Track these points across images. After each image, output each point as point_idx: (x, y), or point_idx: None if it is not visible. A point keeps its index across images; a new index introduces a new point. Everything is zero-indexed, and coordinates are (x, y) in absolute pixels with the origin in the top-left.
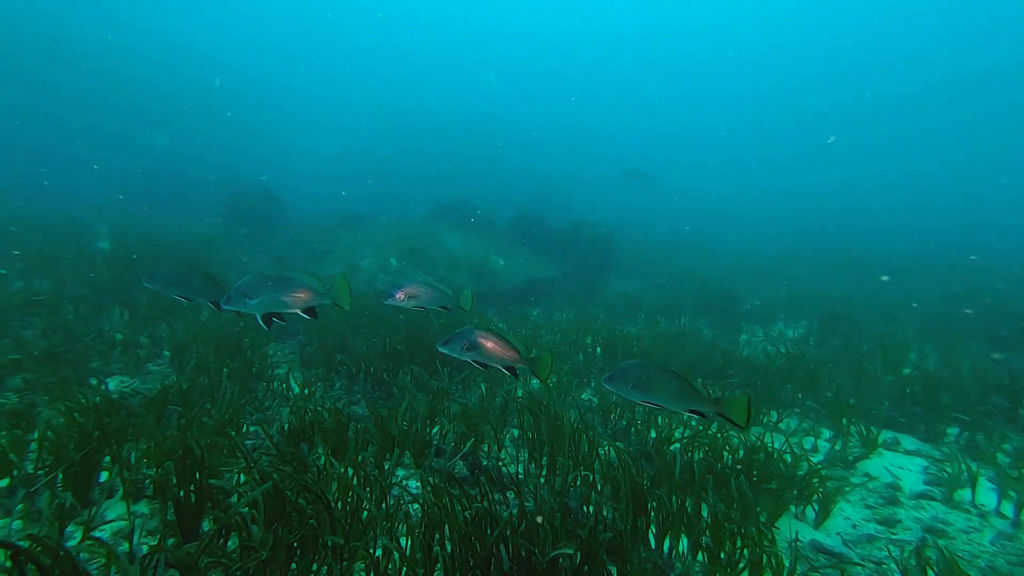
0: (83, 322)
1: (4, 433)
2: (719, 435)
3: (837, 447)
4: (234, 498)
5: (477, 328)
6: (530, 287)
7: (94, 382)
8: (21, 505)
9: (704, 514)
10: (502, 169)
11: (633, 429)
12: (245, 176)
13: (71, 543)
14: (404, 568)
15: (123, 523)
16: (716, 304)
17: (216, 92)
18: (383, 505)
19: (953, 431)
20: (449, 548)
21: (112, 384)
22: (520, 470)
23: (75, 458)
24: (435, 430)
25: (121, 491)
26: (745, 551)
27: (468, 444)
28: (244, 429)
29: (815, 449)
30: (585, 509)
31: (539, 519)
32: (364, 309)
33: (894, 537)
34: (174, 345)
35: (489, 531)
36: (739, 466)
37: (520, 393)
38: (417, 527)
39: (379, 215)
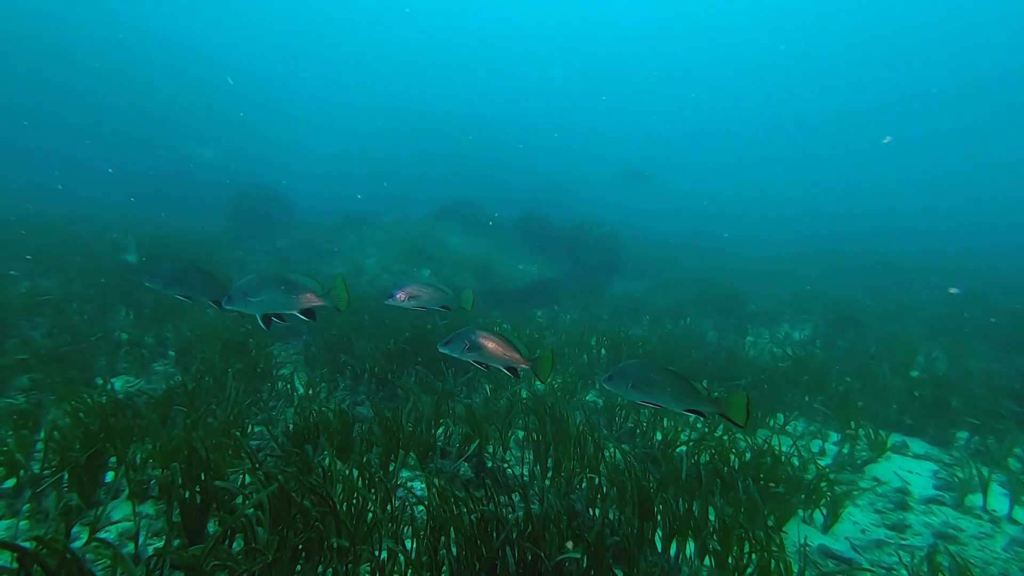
0: (89, 322)
1: (11, 433)
2: (725, 437)
3: (845, 450)
4: (239, 499)
5: (478, 328)
6: (534, 288)
7: (99, 382)
8: (28, 505)
9: (711, 518)
10: (505, 169)
11: (638, 431)
12: (250, 176)
13: (77, 543)
14: (409, 571)
15: (129, 524)
16: (721, 305)
17: (218, 93)
18: (388, 507)
19: (963, 435)
20: (455, 551)
21: (118, 384)
22: (525, 472)
23: (81, 459)
24: (439, 431)
25: (127, 492)
26: (753, 556)
27: (473, 446)
28: (249, 430)
29: (822, 452)
30: (591, 512)
31: (549, 526)
32: (368, 309)
33: (904, 543)
34: (179, 345)
35: (495, 534)
36: (746, 469)
37: (525, 395)
38: (422, 529)
39: (383, 215)
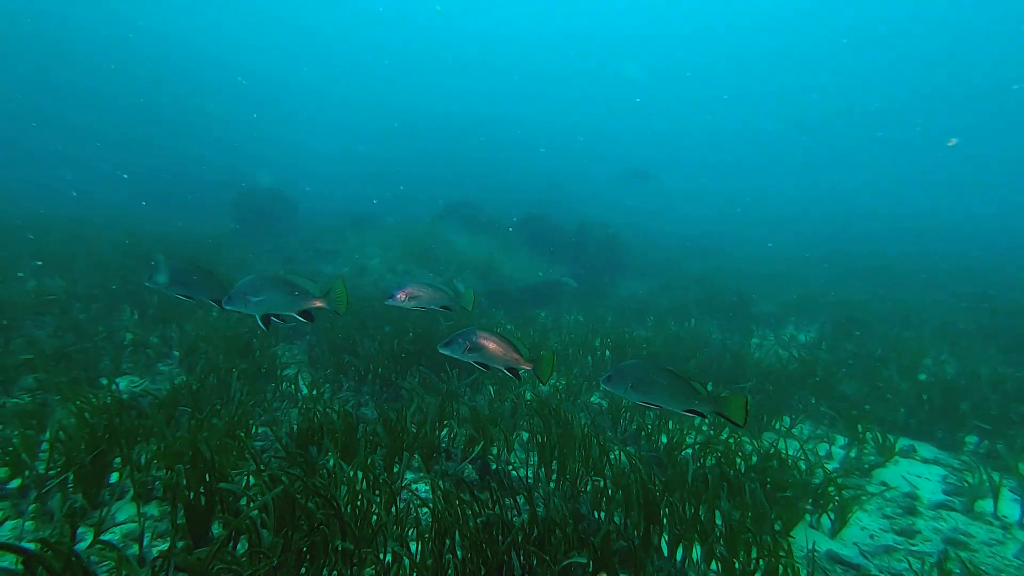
0: (94, 321)
1: (17, 433)
2: (731, 440)
3: (852, 454)
4: (243, 501)
5: (479, 329)
6: (538, 288)
7: (104, 382)
8: (33, 506)
9: (718, 522)
10: (508, 170)
11: (643, 433)
12: (253, 176)
13: (82, 545)
14: (414, 575)
15: (133, 525)
16: (726, 306)
17: (220, 93)
18: (393, 509)
19: (972, 439)
20: (460, 555)
21: (122, 384)
22: (529, 474)
23: (86, 459)
24: (443, 433)
25: (131, 492)
26: (761, 561)
27: (477, 448)
28: (253, 431)
29: (829, 456)
30: (596, 515)
31: (556, 531)
32: (372, 309)
33: (913, 548)
34: (184, 345)
35: (501, 539)
36: (752, 473)
37: (529, 396)
38: (427, 532)
39: (387, 215)
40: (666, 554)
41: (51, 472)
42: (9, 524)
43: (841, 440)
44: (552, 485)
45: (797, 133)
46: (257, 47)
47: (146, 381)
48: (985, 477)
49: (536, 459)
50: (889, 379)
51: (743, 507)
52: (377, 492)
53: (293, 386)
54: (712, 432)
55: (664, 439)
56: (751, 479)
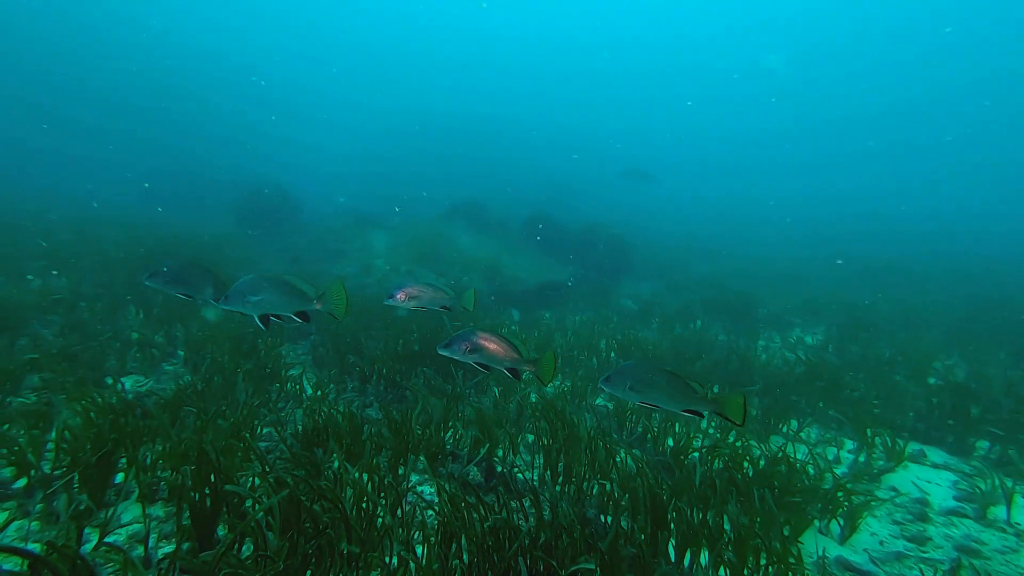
0: (99, 321)
1: (23, 433)
2: (738, 444)
3: (861, 459)
4: (249, 503)
5: (479, 329)
6: (543, 289)
7: (110, 381)
8: (39, 506)
9: (726, 527)
10: (513, 170)
11: (649, 436)
12: (259, 176)
13: (88, 546)
14: None
15: (138, 526)
16: (732, 308)
17: (225, 93)
18: (398, 512)
19: (983, 444)
20: (466, 559)
21: (128, 384)
22: (535, 476)
23: (91, 459)
24: (448, 435)
25: (136, 493)
26: (770, 568)
27: (483, 450)
28: (259, 431)
29: (837, 460)
30: (603, 519)
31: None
32: (377, 310)
33: (924, 555)
34: (189, 345)
35: (507, 543)
36: (760, 477)
37: (534, 398)
38: (433, 535)
39: (392, 216)
40: (673, 560)
41: (57, 472)
42: (15, 525)
43: (849, 444)
44: (558, 488)
45: (806, 136)
46: (265, 48)
47: (151, 381)
48: (997, 483)
49: (542, 461)
50: (898, 382)
51: (751, 512)
52: (383, 494)
53: (298, 387)
54: (719, 435)
55: (671, 442)
56: (759, 484)
